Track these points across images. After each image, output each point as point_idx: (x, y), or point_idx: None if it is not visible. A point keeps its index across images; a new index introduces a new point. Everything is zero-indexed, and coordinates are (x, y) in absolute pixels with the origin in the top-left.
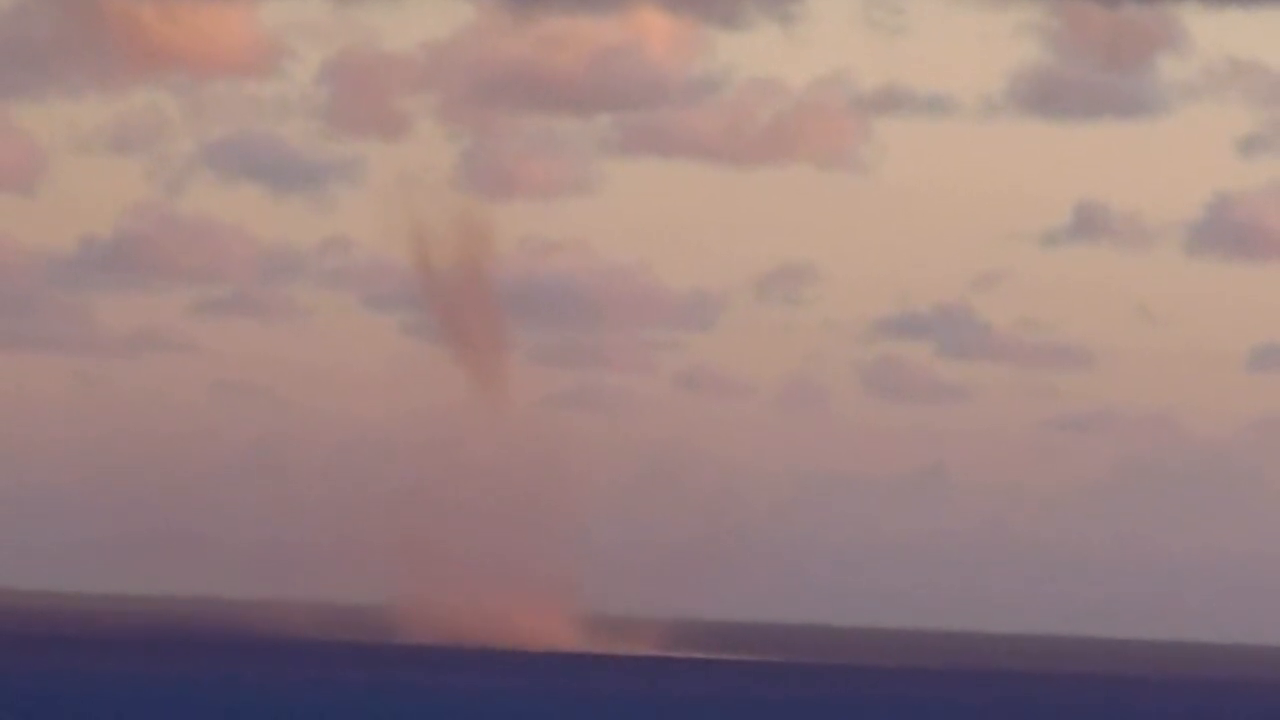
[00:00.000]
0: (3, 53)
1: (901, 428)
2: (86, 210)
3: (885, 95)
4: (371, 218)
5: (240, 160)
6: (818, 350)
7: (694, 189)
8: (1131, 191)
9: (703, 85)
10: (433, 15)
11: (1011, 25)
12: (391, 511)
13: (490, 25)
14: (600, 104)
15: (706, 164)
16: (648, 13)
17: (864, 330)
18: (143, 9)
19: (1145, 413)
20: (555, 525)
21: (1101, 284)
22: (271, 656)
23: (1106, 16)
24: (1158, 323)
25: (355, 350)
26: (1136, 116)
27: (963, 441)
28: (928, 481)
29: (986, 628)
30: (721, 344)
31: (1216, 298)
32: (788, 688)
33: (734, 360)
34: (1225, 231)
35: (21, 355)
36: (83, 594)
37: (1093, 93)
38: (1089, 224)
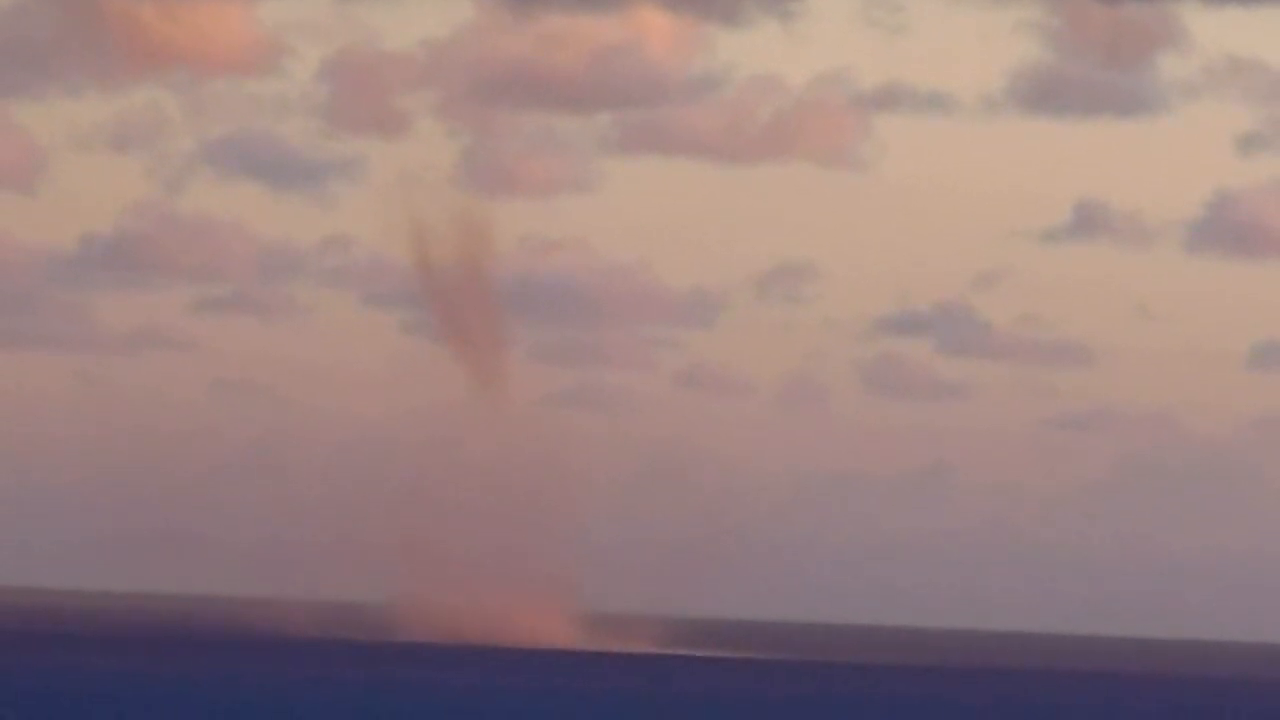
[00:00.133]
0: (3, 51)
1: (901, 426)
2: (86, 208)
3: (885, 93)
4: (371, 216)
5: (240, 158)
6: (818, 348)
7: (694, 187)
8: (1131, 190)
9: (703, 83)
10: (432, 13)
11: (1011, 23)
12: (391, 510)
13: (490, 23)
14: (600, 102)
15: (706, 162)
16: (648, 11)
17: (864, 328)
18: (143, 7)
19: (1145, 411)
20: (555, 523)
21: (1101, 282)
22: (271, 655)
23: (1106, 14)
24: (1158, 321)
25: (355, 349)
26: (1136, 115)
27: (963, 440)
28: (928, 480)
29: (986, 626)
30: (721, 342)
31: (1216, 296)
32: (788, 686)
33: (734, 359)
34: (1225, 230)
35: (22, 354)
36: (83, 592)
37: (1092, 91)
38: (1089, 222)
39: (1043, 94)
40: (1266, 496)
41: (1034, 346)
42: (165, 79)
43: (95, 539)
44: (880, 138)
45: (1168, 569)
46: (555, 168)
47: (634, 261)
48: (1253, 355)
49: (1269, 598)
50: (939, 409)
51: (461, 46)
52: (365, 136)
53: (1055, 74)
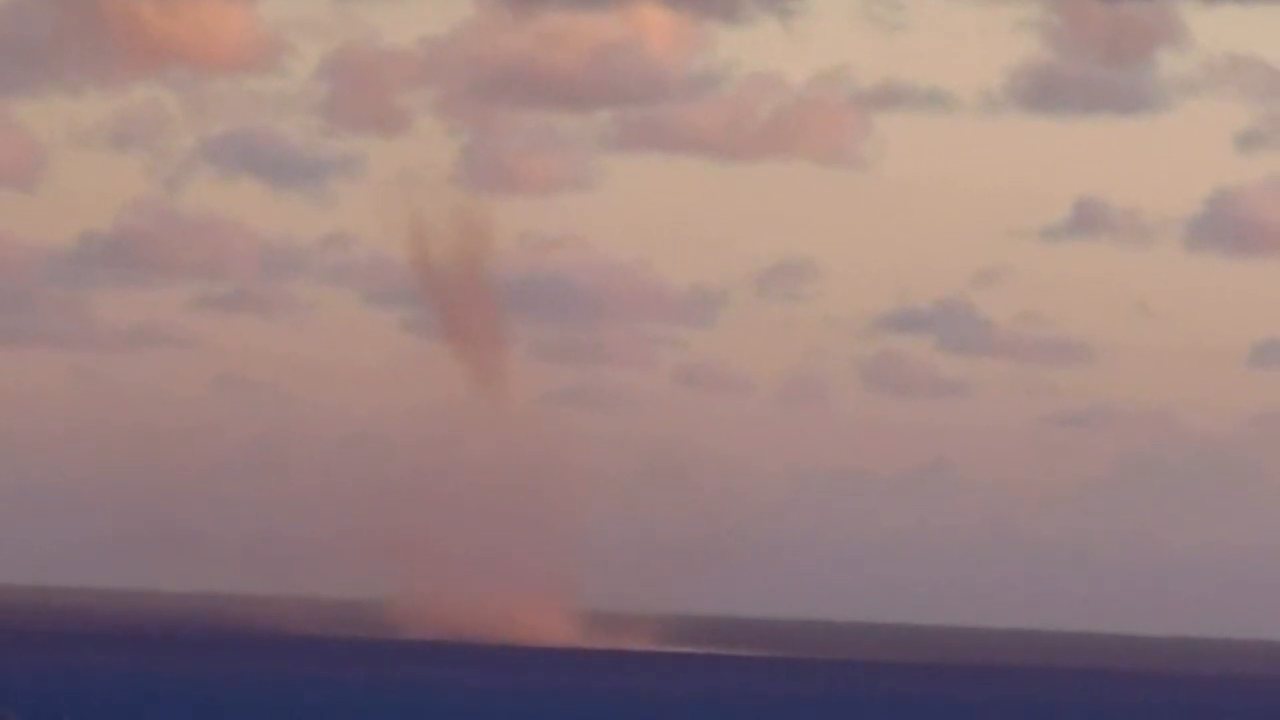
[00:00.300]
0: (2, 49)
1: (901, 424)
2: (86, 206)
3: (885, 91)
4: (371, 214)
5: (240, 156)
6: (818, 346)
7: (694, 185)
8: (1131, 187)
9: (703, 81)
10: (432, 11)
11: (1011, 21)
12: (391, 508)
13: (490, 21)
14: (600, 100)
15: (706, 160)
16: (648, 8)
17: (864, 326)
18: (142, 5)
19: (1145, 408)
20: (554, 522)
21: (1101, 280)
22: (271, 651)
23: (1106, 12)
24: (1157, 318)
25: (355, 346)
26: (1136, 112)
27: (963, 437)
28: (928, 477)
29: (986, 623)
30: (722, 340)
31: (1216, 293)
32: (788, 683)
33: (734, 356)
34: (1224, 227)
35: (21, 351)
36: (83, 589)
37: (1092, 88)
38: (1089, 220)
39: (1042, 92)
40: (1266, 493)
41: (1034, 344)
42: (165, 77)
43: (95, 537)
44: (880, 135)
45: (1167, 566)
46: (555, 165)
47: (634, 259)
48: (1253, 352)
49: (1268, 594)
50: (939, 406)
51: (461, 44)
52: (365, 134)
53: (1055, 72)
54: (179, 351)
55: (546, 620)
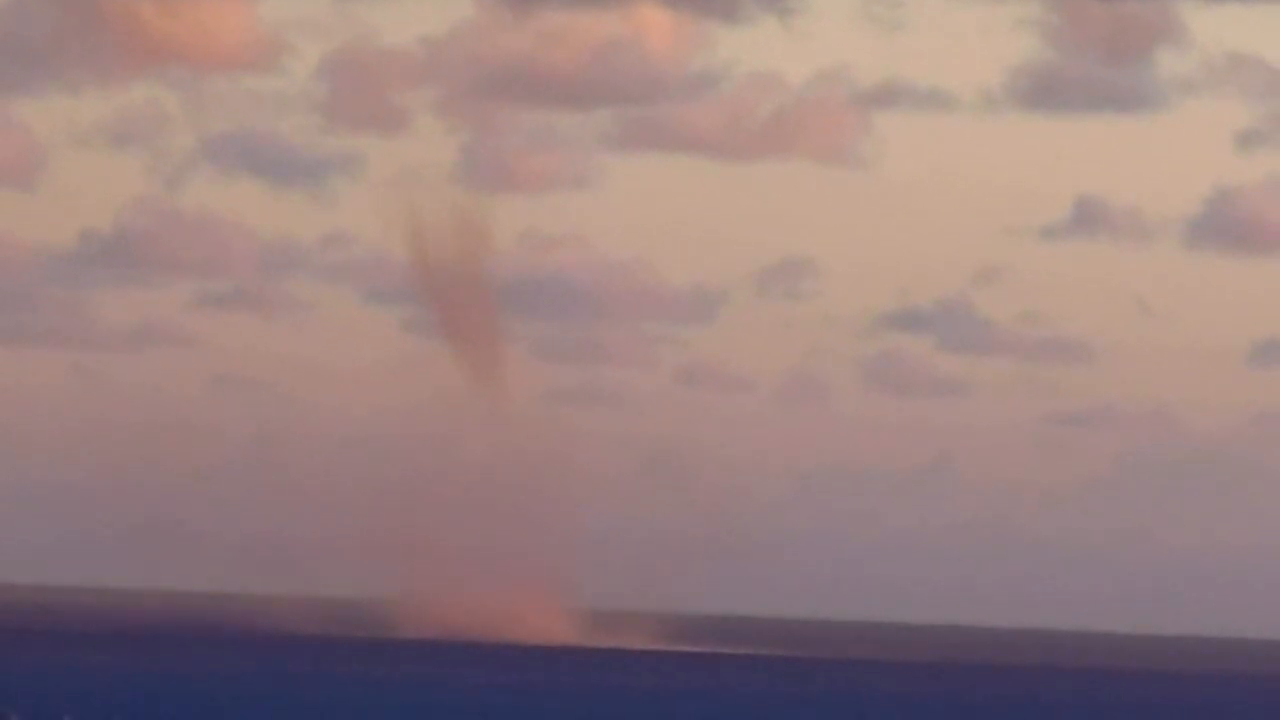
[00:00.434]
0: (2, 49)
1: (902, 422)
2: (86, 205)
3: (885, 90)
4: (371, 213)
5: (240, 155)
6: (818, 345)
7: (694, 184)
8: (1131, 186)
9: (702, 80)
10: (432, 10)
11: (1010, 20)
12: (390, 506)
13: (489, 20)
14: (600, 99)
15: (706, 159)
16: (647, 8)
17: (864, 325)
18: (142, 5)
19: (1145, 407)
20: (554, 520)
21: (1101, 279)
22: (271, 651)
23: (1105, 11)
24: (1157, 317)
25: (354, 345)
26: (1135, 111)
27: (963, 436)
28: (928, 476)
29: (987, 622)
30: (722, 339)
31: (1216, 292)
32: (789, 681)
33: (734, 355)
34: (1224, 226)
35: (21, 350)
36: (81, 588)
37: (1092, 87)
38: (1088, 219)
39: (1042, 91)
40: (1266, 493)
41: (1034, 343)
42: (165, 76)
43: (95, 536)
44: (880, 134)
45: (1167, 565)
46: (555, 164)
47: (634, 258)
48: (1253, 351)
49: (1268, 594)
50: (939, 405)
51: (461, 43)
52: (365, 133)
53: (1054, 71)
54: (179, 350)
55: (547, 619)
